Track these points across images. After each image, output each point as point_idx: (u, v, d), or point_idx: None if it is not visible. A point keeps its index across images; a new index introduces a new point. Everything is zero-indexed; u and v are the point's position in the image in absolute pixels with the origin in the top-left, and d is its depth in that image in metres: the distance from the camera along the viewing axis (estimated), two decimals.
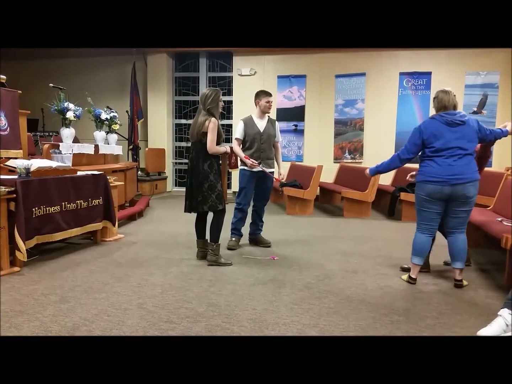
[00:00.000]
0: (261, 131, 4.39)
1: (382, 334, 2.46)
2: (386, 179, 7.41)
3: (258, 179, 4.41)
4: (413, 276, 3.41)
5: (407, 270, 3.63)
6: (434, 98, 3.35)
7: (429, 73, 8.24)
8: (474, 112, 7.92)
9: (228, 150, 3.99)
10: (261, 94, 4.42)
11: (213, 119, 3.71)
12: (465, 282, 3.35)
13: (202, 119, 3.72)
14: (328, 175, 7.85)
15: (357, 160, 8.60)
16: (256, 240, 4.61)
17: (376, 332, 2.49)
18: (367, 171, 3.79)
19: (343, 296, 3.09)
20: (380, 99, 8.48)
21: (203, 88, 9.63)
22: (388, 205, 6.65)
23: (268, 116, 4.54)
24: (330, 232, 5.41)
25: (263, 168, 4.32)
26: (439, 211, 3.30)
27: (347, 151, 8.71)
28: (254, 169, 4.31)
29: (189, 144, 3.95)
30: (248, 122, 4.42)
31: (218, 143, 3.80)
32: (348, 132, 8.69)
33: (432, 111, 8.19)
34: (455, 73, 8.04)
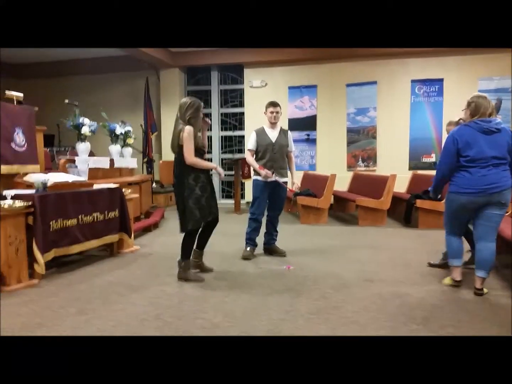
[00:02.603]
0: (273, 141, 4.41)
1: None
2: (401, 186, 7.35)
3: (272, 189, 4.42)
4: (457, 279, 3.39)
5: (435, 266, 3.91)
6: (471, 103, 3.19)
7: (441, 80, 8.20)
8: None
9: (218, 168, 3.73)
10: (267, 105, 4.47)
11: (187, 127, 3.47)
12: (485, 290, 3.28)
13: (179, 129, 3.52)
14: (342, 184, 7.82)
15: (370, 168, 8.56)
16: (270, 249, 4.60)
17: None
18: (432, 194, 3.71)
19: (360, 305, 3.05)
20: (392, 106, 8.46)
21: (215, 101, 9.76)
22: (403, 212, 6.57)
23: (281, 127, 4.56)
24: (345, 241, 5.37)
25: (276, 178, 4.33)
26: (471, 217, 3.30)
27: (360, 159, 8.68)
28: (268, 179, 4.33)
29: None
30: (260, 133, 4.45)
31: (203, 153, 3.65)
32: (361, 140, 8.67)
33: (446, 117, 8.17)
34: (467, 79, 7.99)
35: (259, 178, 4.38)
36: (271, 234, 4.60)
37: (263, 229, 4.61)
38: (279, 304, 3.07)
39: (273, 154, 4.39)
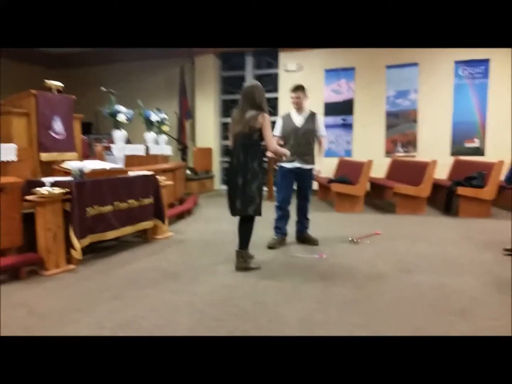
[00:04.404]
0: (298, 126, 4.28)
1: (435, 334, 2.33)
2: (442, 173, 7.05)
3: (297, 176, 4.31)
4: None
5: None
6: None
7: (487, 60, 7.74)
8: None
9: (288, 153, 3.79)
10: (290, 90, 4.33)
11: (266, 115, 3.49)
12: None
13: (252, 113, 3.46)
14: (379, 170, 7.59)
15: (410, 154, 8.25)
16: (303, 238, 4.52)
17: (429, 333, 2.35)
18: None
19: (395, 296, 2.96)
20: (434, 89, 8.09)
21: None
22: (444, 200, 6.31)
23: (310, 111, 4.41)
24: (382, 229, 5.19)
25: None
26: None
27: (399, 144, 8.38)
28: (290, 166, 4.23)
29: None
30: (286, 118, 4.37)
31: None
32: (401, 124, 8.35)
33: (491, 100, 7.74)
34: None
35: (282, 164, 4.28)
36: (302, 222, 4.51)
37: (294, 217, 4.54)
38: (311, 293, 3.03)
39: (298, 140, 4.25)
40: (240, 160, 3.52)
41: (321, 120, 4.44)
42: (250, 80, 3.68)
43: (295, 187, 4.47)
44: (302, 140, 4.27)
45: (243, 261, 3.61)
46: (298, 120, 4.32)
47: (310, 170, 4.35)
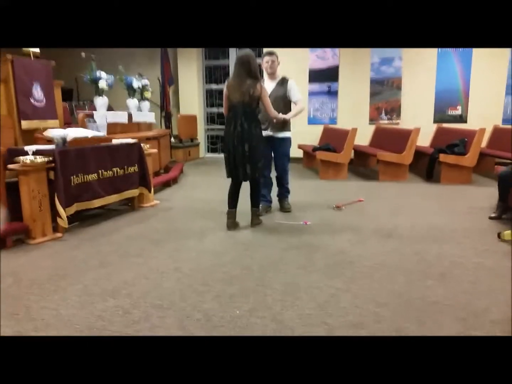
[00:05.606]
0: (269, 93, 4.10)
1: (415, 297, 2.45)
2: (424, 141, 7.14)
3: (269, 144, 4.20)
4: None
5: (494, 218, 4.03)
6: None
7: None
8: None
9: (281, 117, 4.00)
10: (262, 55, 4.21)
11: (263, 84, 3.71)
12: None
13: (250, 82, 3.58)
14: (364, 138, 7.64)
15: (394, 121, 8.30)
16: (279, 202, 4.58)
17: (409, 295, 2.47)
18: None
19: (376, 261, 3.06)
20: (418, 56, 8.05)
21: (233, 52, 9.47)
22: (426, 167, 6.43)
23: (282, 77, 4.27)
24: (365, 196, 5.29)
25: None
26: None
27: (383, 111, 8.40)
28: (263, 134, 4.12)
29: (221, 110, 3.86)
30: None
31: None
32: (385, 91, 8.34)
33: (475, 68, 7.73)
34: None
35: None
36: (280, 191, 4.55)
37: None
38: (296, 258, 3.11)
39: None
40: (244, 128, 3.66)
41: (294, 85, 4.26)
42: (243, 49, 3.68)
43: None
44: (273, 107, 4.05)
45: (257, 218, 4.00)
46: (269, 86, 4.18)
47: (283, 138, 4.27)
